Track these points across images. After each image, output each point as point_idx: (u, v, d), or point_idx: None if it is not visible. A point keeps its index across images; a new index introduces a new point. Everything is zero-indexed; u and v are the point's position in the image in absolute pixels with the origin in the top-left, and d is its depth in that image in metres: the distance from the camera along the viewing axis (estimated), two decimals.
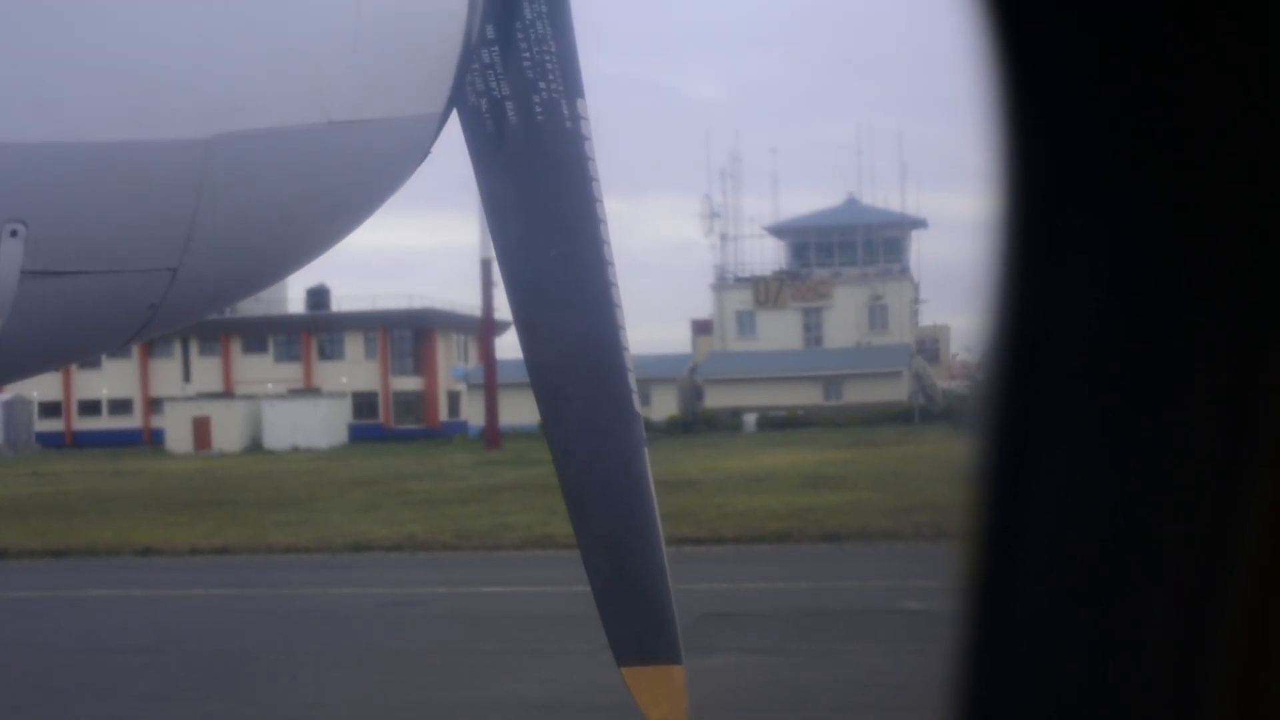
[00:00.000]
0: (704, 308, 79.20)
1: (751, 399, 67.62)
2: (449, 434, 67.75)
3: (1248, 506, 0.89)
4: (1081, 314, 0.93)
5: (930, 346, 77.11)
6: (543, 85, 4.24)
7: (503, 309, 72.37)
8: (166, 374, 74.28)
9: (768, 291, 75.23)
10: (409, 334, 75.39)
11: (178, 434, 67.16)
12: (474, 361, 73.05)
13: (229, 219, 3.35)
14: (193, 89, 3.17)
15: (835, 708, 10.98)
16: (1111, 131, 0.91)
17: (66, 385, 72.89)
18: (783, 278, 76.09)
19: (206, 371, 74.63)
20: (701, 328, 77.55)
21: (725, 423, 64.53)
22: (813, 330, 75.03)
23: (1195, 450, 0.90)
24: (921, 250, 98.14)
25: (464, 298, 72.58)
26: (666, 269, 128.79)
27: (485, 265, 64.78)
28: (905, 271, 76.02)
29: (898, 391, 67.21)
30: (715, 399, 69.29)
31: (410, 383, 74.84)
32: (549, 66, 4.25)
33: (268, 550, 23.68)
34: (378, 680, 12.29)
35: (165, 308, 3.37)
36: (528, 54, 4.25)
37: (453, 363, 75.70)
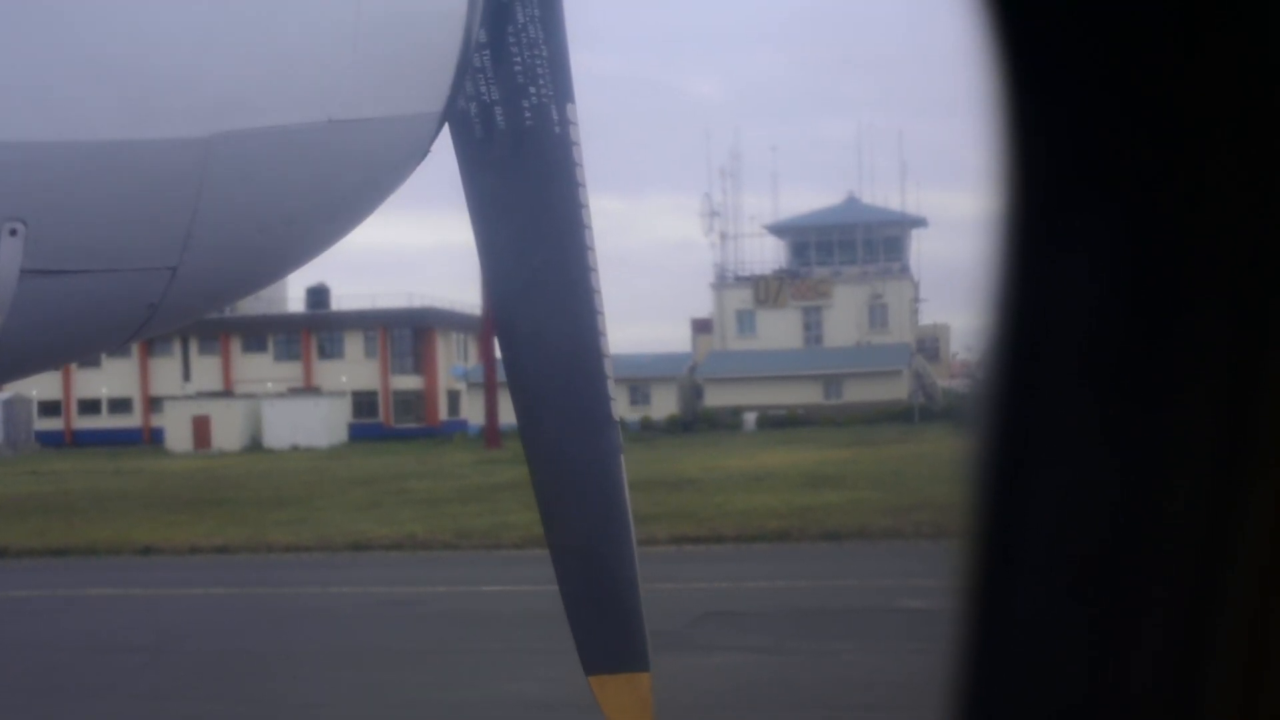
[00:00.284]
0: (704, 306, 79.29)
1: (751, 398, 67.62)
2: (449, 433, 67.75)
3: (1248, 506, 0.89)
4: (1082, 313, 0.93)
5: (930, 345, 77.11)
6: (533, 90, 4.24)
7: None
8: (166, 373, 74.28)
9: (768, 290, 75.23)
10: (409, 333, 75.40)
11: (177, 433, 67.16)
12: (474, 360, 73.04)
13: (228, 218, 3.35)
14: (192, 87, 3.17)
15: (835, 706, 10.98)
16: (1112, 130, 0.91)
17: (66, 384, 72.89)
18: (783, 277, 76.08)
19: (206, 370, 74.63)
20: (701, 326, 77.55)
21: (725, 422, 64.53)
22: (813, 329, 75.02)
23: (1195, 449, 0.90)
24: (921, 249, 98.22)
25: (464, 296, 72.67)
26: (666, 268, 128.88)
27: None
28: (905, 270, 76.02)
29: (898, 390, 67.21)
30: (715, 398, 69.30)
31: (410, 381, 74.84)
32: (540, 71, 4.25)
33: (268, 549, 23.69)
34: (378, 679, 12.29)
35: (165, 306, 3.37)
36: (519, 58, 4.25)
37: (452, 361, 75.71)
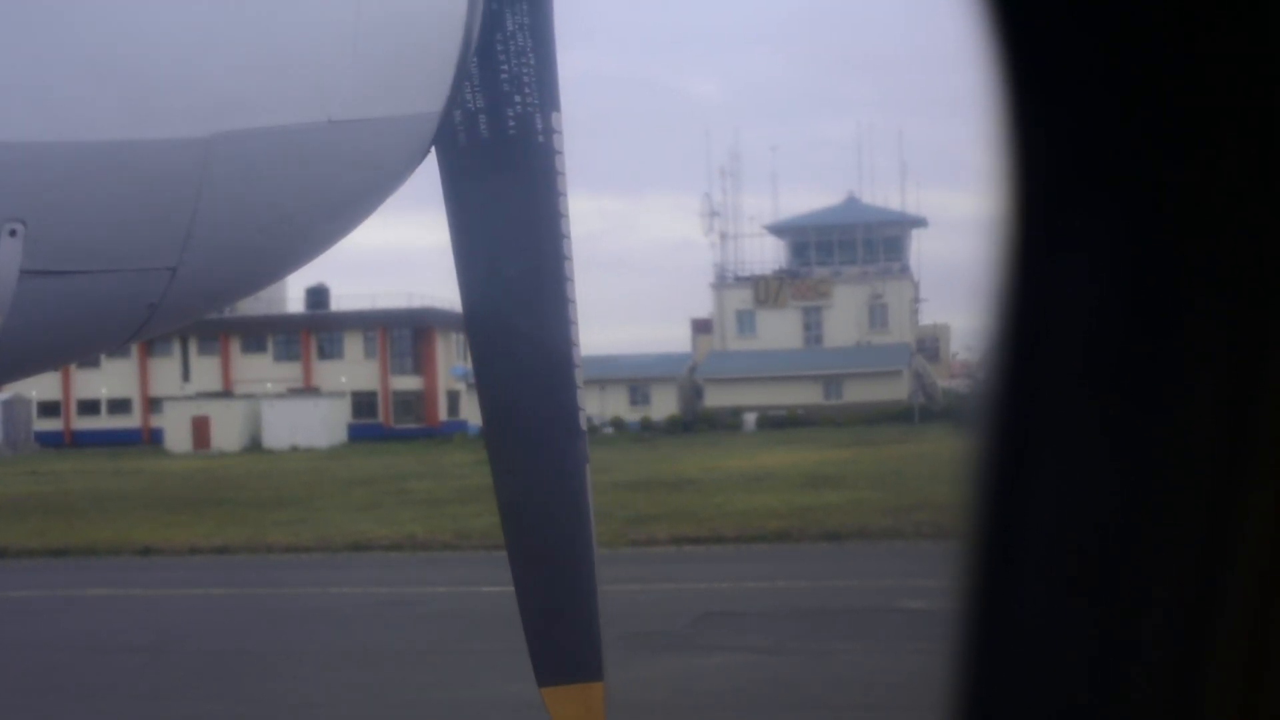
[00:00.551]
0: (704, 307, 79.26)
1: (751, 398, 67.61)
2: (448, 433, 67.74)
3: (1248, 506, 0.89)
4: (1083, 313, 0.93)
5: (930, 345, 77.10)
6: (518, 99, 4.24)
7: None
8: (166, 373, 74.26)
9: (768, 290, 75.22)
10: (408, 333, 75.38)
11: (177, 433, 67.14)
12: None
13: (228, 218, 3.35)
14: (192, 87, 3.16)
15: (835, 707, 10.98)
16: (1112, 130, 0.91)
17: (65, 385, 72.87)
18: (783, 277, 76.08)
19: (206, 371, 74.62)
20: (701, 327, 77.55)
21: (725, 422, 64.52)
22: (813, 329, 75.02)
23: (1195, 450, 0.90)
24: (921, 249, 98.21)
25: None
26: (666, 268, 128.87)
27: None
28: (905, 270, 76.01)
29: (898, 391, 67.21)
30: (715, 398, 69.30)
31: (410, 382, 74.83)
32: (526, 79, 4.25)
33: (267, 550, 23.68)
34: (377, 679, 12.28)
35: (164, 307, 3.37)
36: (505, 66, 4.25)
37: (452, 362, 75.67)
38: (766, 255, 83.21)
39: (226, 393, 72.09)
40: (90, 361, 64.90)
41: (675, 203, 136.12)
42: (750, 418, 65.03)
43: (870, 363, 68.96)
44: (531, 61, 4.25)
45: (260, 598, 18.41)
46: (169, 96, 3.12)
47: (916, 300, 77.15)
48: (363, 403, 73.92)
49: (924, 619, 12.87)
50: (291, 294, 76.93)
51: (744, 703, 11.25)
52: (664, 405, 68.70)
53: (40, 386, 68.76)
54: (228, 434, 66.66)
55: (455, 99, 4.06)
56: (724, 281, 77.16)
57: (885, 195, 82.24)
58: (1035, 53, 0.93)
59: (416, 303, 75.49)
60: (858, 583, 16.91)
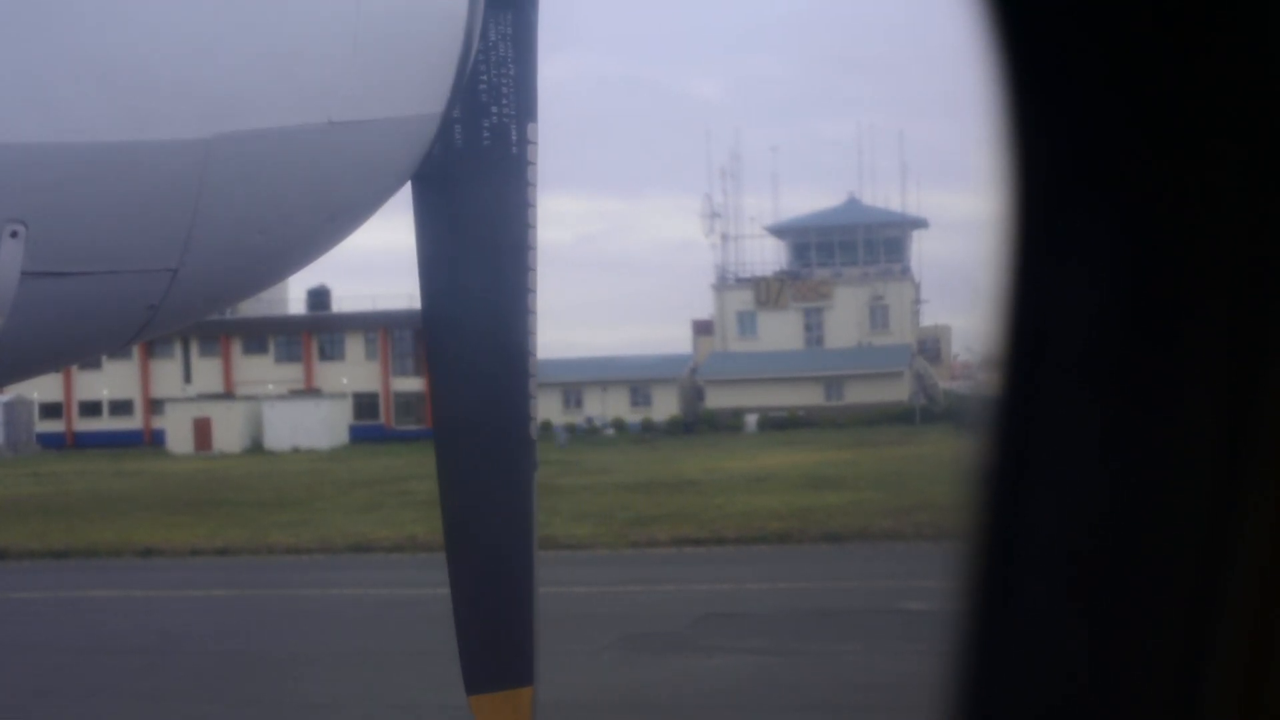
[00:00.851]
0: (705, 308, 79.26)
1: (752, 399, 67.62)
2: None
3: (1248, 508, 0.89)
4: (1084, 314, 0.93)
5: (931, 347, 77.08)
6: (495, 110, 4.24)
7: None
8: (167, 375, 74.28)
9: (768, 291, 75.23)
10: (410, 334, 75.34)
11: (178, 435, 67.15)
12: None
13: (229, 219, 3.35)
14: (192, 89, 3.16)
15: (836, 708, 10.98)
16: (1112, 131, 0.91)
17: (67, 386, 72.88)
18: (783, 278, 76.08)
19: (207, 372, 74.62)
20: (702, 328, 77.55)
21: (726, 423, 64.53)
22: (814, 330, 75.02)
23: (1196, 452, 0.90)
24: (922, 250, 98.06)
25: None
26: (667, 269, 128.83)
27: None
28: (906, 271, 76.01)
29: (899, 392, 67.21)
30: (716, 399, 69.30)
31: (411, 383, 74.80)
32: (504, 90, 4.25)
33: (268, 551, 23.68)
34: (378, 680, 12.28)
35: (165, 308, 3.37)
36: (485, 77, 4.25)
37: None
38: (767, 256, 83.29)
39: (228, 394, 72.10)
40: (92, 363, 64.93)
41: (676, 203, 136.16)
42: (751, 419, 65.03)
43: (871, 364, 68.95)
44: (511, 72, 4.26)
45: (261, 599, 18.42)
46: (169, 98, 3.12)
47: (917, 301, 77.17)
48: (364, 404, 73.92)
49: (925, 620, 12.86)
50: (293, 295, 76.97)
51: (745, 704, 11.25)
52: (665, 406, 68.71)
53: (42, 388, 68.76)
54: (229, 435, 66.67)
55: (455, 100, 4.06)
56: (725, 282, 77.17)
57: (886, 196, 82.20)
58: (1035, 54, 0.93)
59: (418, 304, 75.28)
60: (858, 584, 16.90)
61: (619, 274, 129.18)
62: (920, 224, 77.11)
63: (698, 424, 66.05)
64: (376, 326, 74.80)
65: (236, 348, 75.32)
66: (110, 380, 73.66)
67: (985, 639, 0.97)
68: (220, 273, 3.53)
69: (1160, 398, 0.91)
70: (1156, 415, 0.91)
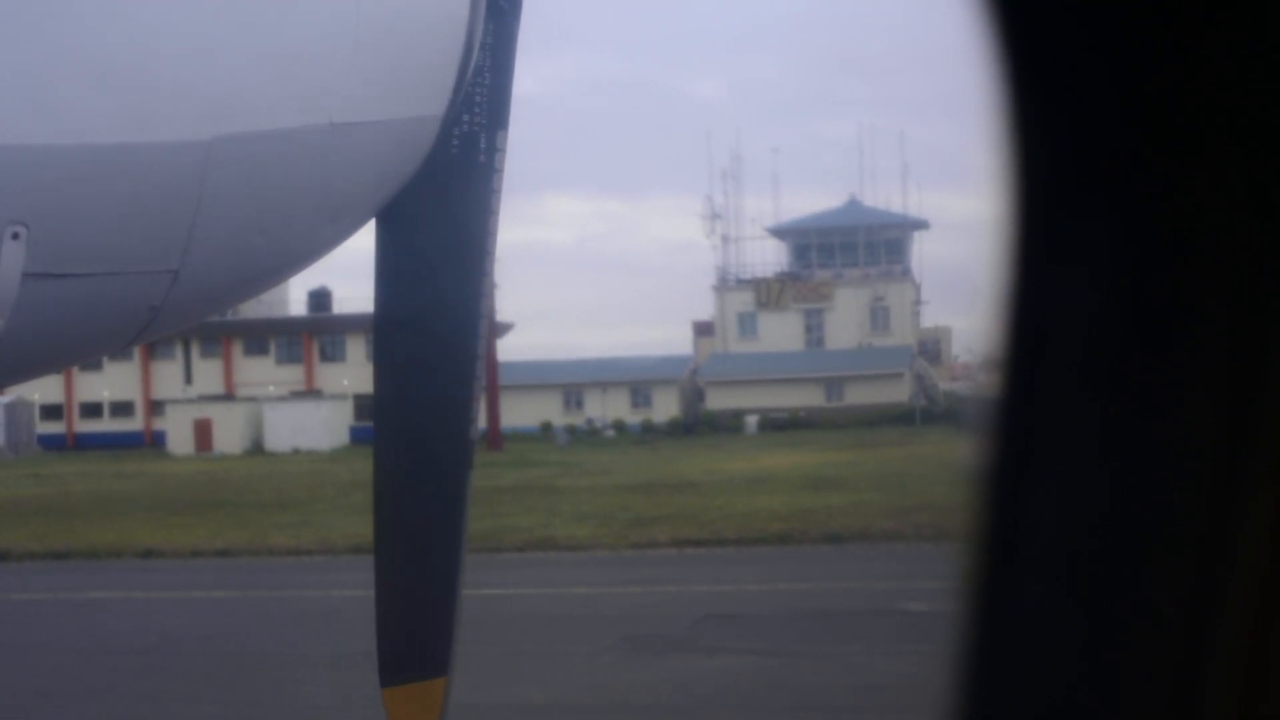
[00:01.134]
0: (705, 309, 79.25)
1: (753, 400, 67.60)
2: None
3: (1248, 508, 0.89)
4: (1084, 315, 0.93)
5: (932, 348, 77.06)
6: (466, 118, 4.24)
7: (504, 311, 72.32)
8: (168, 376, 74.27)
9: (769, 293, 75.22)
10: None
11: (179, 436, 67.14)
12: None
13: (230, 221, 3.35)
14: (193, 91, 3.17)
15: (836, 709, 10.97)
16: (1113, 132, 0.91)
17: (68, 387, 72.88)
18: (784, 279, 76.08)
19: (208, 373, 74.61)
20: (703, 329, 77.54)
21: (727, 424, 64.51)
22: (814, 331, 75.02)
23: (1196, 452, 0.90)
24: (923, 251, 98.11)
25: None
26: (668, 270, 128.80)
27: None
28: (907, 273, 76.00)
29: (899, 393, 67.19)
30: (717, 400, 69.29)
31: None
32: (478, 99, 4.25)
33: (269, 552, 23.68)
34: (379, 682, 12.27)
35: (166, 310, 3.37)
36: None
37: None
38: (768, 257, 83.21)
39: (228, 395, 72.09)
40: (92, 364, 64.93)
41: (677, 205, 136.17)
42: (752, 420, 65.02)
43: (871, 365, 68.95)
44: (487, 81, 4.26)
45: (262, 600, 18.41)
46: (170, 100, 3.12)
47: (918, 302, 77.16)
48: (365, 405, 73.75)
49: (925, 621, 12.86)
50: (294, 296, 76.95)
51: (745, 705, 11.25)
52: (665, 407, 68.70)
53: (42, 389, 68.75)
54: (230, 436, 66.65)
55: (456, 102, 4.06)
56: (725, 284, 77.16)
57: (887, 197, 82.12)
58: (1036, 55, 0.93)
59: None
60: (859, 585, 16.90)
61: (620, 275, 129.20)
62: (921, 225, 77.12)
63: (698, 425, 66.04)
64: None
65: (237, 349, 75.31)
66: (111, 381, 73.66)
67: (986, 640, 0.97)
68: (221, 274, 3.54)
69: (1161, 399, 0.91)
70: (1157, 416, 0.91)
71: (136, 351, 64.38)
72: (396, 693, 4.66)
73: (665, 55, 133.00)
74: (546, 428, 65.71)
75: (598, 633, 13.99)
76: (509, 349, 75.91)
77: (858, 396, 67.42)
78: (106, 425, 74.47)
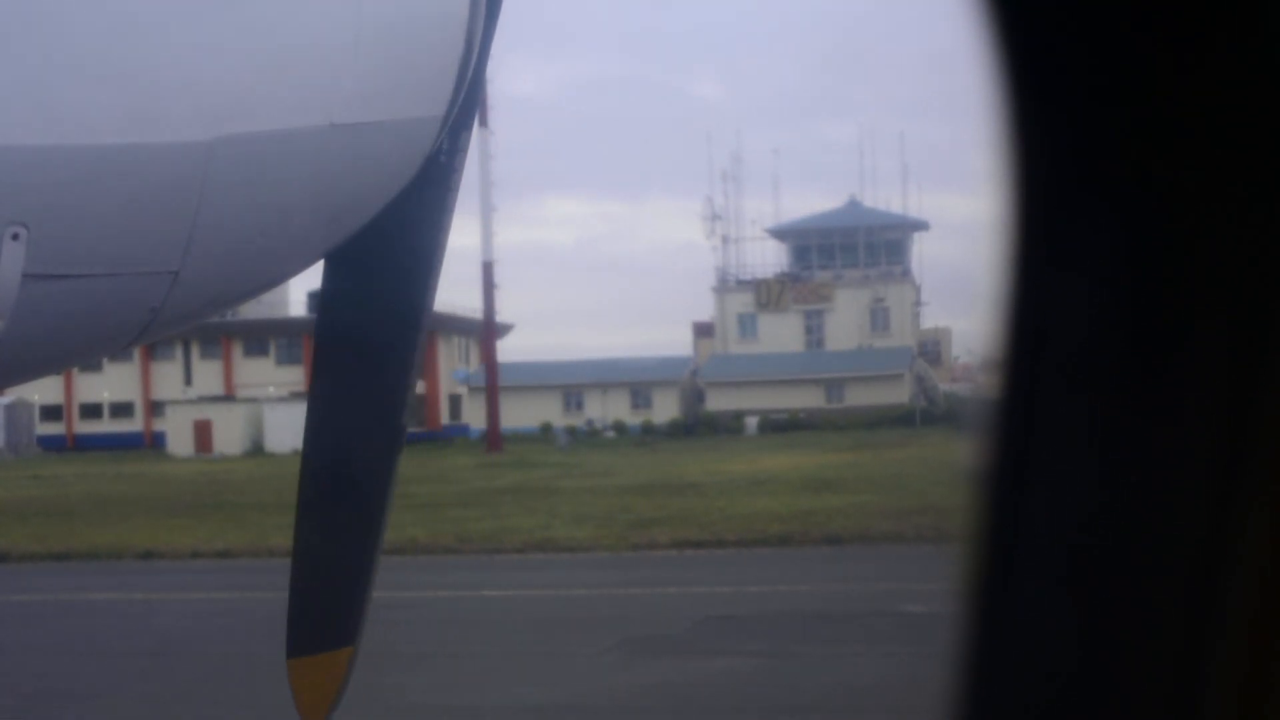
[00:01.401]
0: (705, 310, 79.30)
1: (753, 401, 67.60)
2: (450, 437, 67.73)
3: (1248, 509, 0.89)
4: (1084, 316, 0.93)
5: (932, 349, 77.06)
6: None
7: (505, 312, 72.30)
8: (168, 377, 74.27)
9: (769, 294, 75.24)
10: None
11: (179, 437, 67.14)
12: (475, 364, 73.03)
13: (230, 222, 3.35)
14: (194, 91, 3.17)
15: (837, 711, 10.97)
16: (1113, 133, 0.91)
17: (67, 388, 72.89)
18: (784, 280, 76.09)
19: (208, 374, 74.61)
20: (703, 330, 77.55)
21: (727, 425, 64.51)
22: (814, 333, 75.03)
23: (1196, 453, 0.90)
24: (923, 252, 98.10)
25: (465, 300, 72.57)
26: (668, 271, 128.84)
27: (486, 268, 64.81)
28: (907, 274, 76.01)
29: (899, 394, 67.20)
30: (717, 401, 69.29)
31: None
32: None
33: (269, 553, 23.65)
34: (379, 683, 12.28)
35: (166, 311, 3.37)
36: None
37: (454, 366, 75.68)
38: (768, 258, 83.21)
39: (228, 396, 72.10)
40: (92, 365, 64.91)
41: (677, 206, 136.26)
42: (752, 421, 65.02)
43: (872, 366, 68.95)
44: None
45: (262, 601, 18.40)
46: (171, 100, 3.12)
47: (918, 303, 77.19)
48: None
49: (926, 623, 12.86)
50: (294, 297, 76.84)
51: (746, 706, 11.25)
52: (665, 408, 68.70)
53: (42, 390, 68.76)
54: (230, 438, 66.65)
55: (456, 102, 4.06)
56: (725, 285, 77.18)
57: (887, 198, 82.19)
58: (1036, 56, 0.93)
59: None
60: (860, 586, 16.90)
61: (620, 276, 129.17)
62: (921, 226, 77.13)
63: (698, 426, 66.04)
64: None
65: (237, 350, 75.32)
66: (111, 382, 73.66)
67: (986, 641, 0.97)
68: (222, 275, 3.54)
69: (1160, 400, 0.91)
70: (1156, 417, 0.91)
71: (136, 352, 64.41)
72: (302, 663, 4.79)
73: (665, 55, 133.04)
74: (546, 429, 65.71)
75: (598, 634, 13.98)
76: (509, 350, 76.00)
77: (858, 398, 67.43)
78: (106, 426, 74.47)
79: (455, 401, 75.11)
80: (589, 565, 20.45)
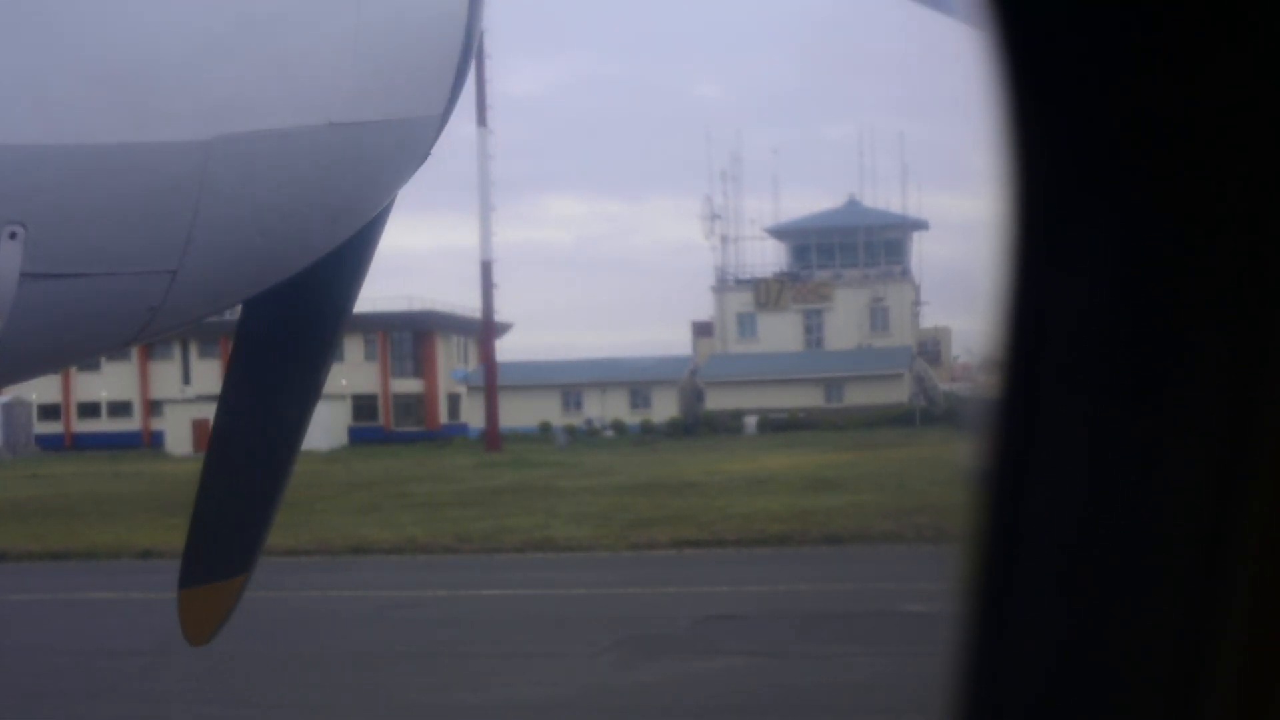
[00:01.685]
0: (705, 309, 79.32)
1: (752, 401, 67.62)
2: (449, 436, 67.75)
3: (1247, 510, 0.89)
4: (1084, 316, 0.93)
5: (931, 348, 77.09)
6: None
7: (504, 311, 72.32)
8: (166, 376, 74.26)
9: (768, 293, 75.26)
10: (409, 336, 75.37)
11: (177, 436, 67.12)
12: (474, 364, 73.06)
13: (229, 221, 3.35)
14: (193, 91, 3.16)
15: (836, 710, 10.97)
16: (1113, 133, 0.91)
17: (66, 387, 72.88)
18: (783, 279, 76.11)
19: (206, 373, 74.53)
20: (702, 330, 77.57)
21: (726, 425, 64.53)
22: (814, 332, 75.05)
23: (1196, 453, 0.90)
24: (923, 252, 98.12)
25: (464, 299, 72.63)
26: (667, 271, 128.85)
27: (485, 267, 64.83)
28: (906, 273, 76.04)
29: (899, 394, 67.23)
30: (716, 401, 69.30)
31: (410, 385, 74.83)
32: None
33: (267, 552, 23.63)
34: (378, 682, 12.28)
35: (165, 310, 3.37)
36: None
37: (453, 365, 75.71)
38: (767, 258, 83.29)
39: None
40: (90, 364, 64.93)
41: (676, 205, 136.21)
42: (751, 421, 65.04)
43: (871, 366, 68.97)
44: None
45: (260, 600, 18.39)
46: (170, 100, 3.12)
47: (917, 303, 77.20)
48: (363, 406, 73.91)
49: (925, 622, 12.86)
50: None
51: (745, 706, 11.25)
52: (665, 408, 68.72)
53: (40, 389, 68.76)
54: None
55: (455, 102, 4.06)
56: (725, 284, 77.20)
57: (886, 198, 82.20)
58: (1036, 56, 0.93)
59: (417, 306, 75.48)
60: (859, 586, 16.90)
61: (619, 275, 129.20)
62: (920, 225, 77.16)
63: (697, 426, 66.05)
64: (376, 328, 74.73)
65: None
66: (109, 382, 73.65)
67: (985, 641, 0.97)
68: (220, 274, 3.53)
69: (1160, 400, 0.91)
70: (1156, 417, 0.91)
71: (134, 351, 64.38)
72: (192, 593, 4.89)
73: (665, 55, 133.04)
74: (545, 428, 65.72)
75: (597, 634, 13.98)
76: (508, 350, 76.00)
77: (857, 397, 67.45)
78: (104, 425, 74.46)
79: (454, 401, 75.15)
80: (588, 565, 20.45)
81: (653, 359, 72.53)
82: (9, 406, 66.95)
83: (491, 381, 62.29)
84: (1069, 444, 0.93)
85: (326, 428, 67.73)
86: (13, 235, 2.94)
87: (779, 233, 78.85)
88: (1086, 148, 0.92)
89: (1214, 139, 0.88)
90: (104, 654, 14.45)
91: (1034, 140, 0.93)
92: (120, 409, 75.20)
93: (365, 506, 30.51)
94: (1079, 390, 0.93)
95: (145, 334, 3.56)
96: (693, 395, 71.03)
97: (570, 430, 63.83)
